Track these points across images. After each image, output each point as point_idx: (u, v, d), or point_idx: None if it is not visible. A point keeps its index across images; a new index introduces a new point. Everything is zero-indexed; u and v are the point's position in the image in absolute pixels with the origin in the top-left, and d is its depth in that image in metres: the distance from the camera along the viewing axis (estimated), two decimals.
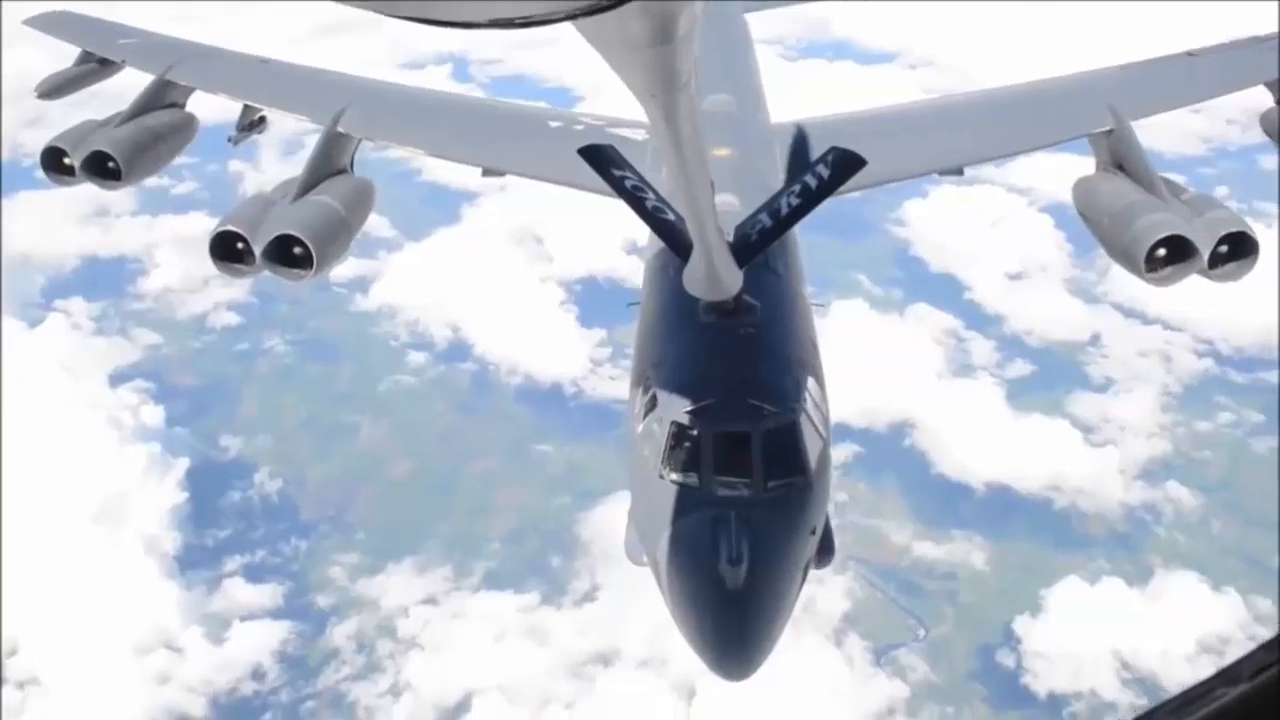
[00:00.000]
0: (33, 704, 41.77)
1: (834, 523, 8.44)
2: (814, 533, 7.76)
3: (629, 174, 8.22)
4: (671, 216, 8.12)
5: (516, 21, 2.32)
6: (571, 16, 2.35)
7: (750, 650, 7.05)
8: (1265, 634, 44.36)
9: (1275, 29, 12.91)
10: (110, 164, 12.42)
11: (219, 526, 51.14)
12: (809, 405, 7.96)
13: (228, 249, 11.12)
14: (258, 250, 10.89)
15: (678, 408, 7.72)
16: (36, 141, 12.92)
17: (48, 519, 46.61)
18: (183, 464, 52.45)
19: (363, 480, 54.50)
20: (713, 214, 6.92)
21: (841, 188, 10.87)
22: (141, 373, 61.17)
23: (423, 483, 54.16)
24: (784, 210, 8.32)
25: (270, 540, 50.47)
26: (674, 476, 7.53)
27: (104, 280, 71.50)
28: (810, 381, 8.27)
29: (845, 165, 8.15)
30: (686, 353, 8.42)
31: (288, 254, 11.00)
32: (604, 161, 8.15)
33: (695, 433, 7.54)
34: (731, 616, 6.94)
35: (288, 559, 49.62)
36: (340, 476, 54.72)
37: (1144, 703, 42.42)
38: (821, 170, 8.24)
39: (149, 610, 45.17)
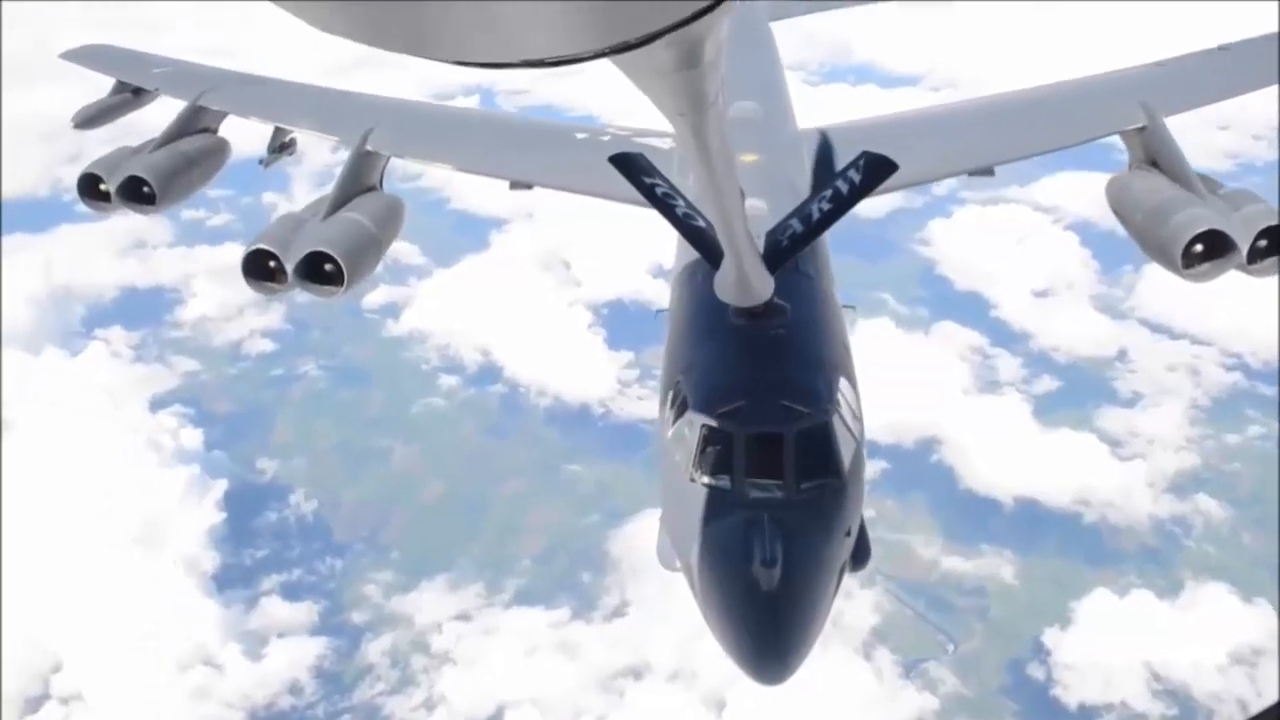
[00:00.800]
0: (77, 717, 42.86)
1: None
2: (849, 534, 7.70)
3: (659, 181, 8.21)
4: (702, 223, 8.10)
5: (547, 61, 2.36)
6: (600, 55, 2.37)
7: (786, 653, 6.95)
8: None
9: None
10: (145, 189, 12.55)
11: (256, 546, 52.16)
12: (841, 406, 7.90)
13: (260, 268, 11.16)
14: (289, 268, 10.95)
15: (709, 411, 7.67)
16: (76, 176, 13.09)
17: (91, 539, 47.71)
18: (221, 485, 53.56)
19: (395, 502, 55.33)
20: (743, 221, 6.94)
21: (879, 193, 10.92)
22: (180, 398, 62.37)
23: (454, 504, 54.91)
24: (815, 215, 8.27)
25: (306, 559, 51.40)
26: (706, 480, 7.49)
27: (142, 310, 73.04)
28: (843, 382, 8.18)
29: (876, 169, 8.08)
30: (717, 356, 8.35)
31: (319, 271, 11.09)
32: (635, 169, 8.11)
33: (727, 435, 7.49)
34: (766, 619, 6.89)
35: (323, 577, 50.47)
36: (373, 498, 55.57)
37: (1175, 713, 42.32)
38: (853, 175, 8.17)
39: (189, 628, 46.11)
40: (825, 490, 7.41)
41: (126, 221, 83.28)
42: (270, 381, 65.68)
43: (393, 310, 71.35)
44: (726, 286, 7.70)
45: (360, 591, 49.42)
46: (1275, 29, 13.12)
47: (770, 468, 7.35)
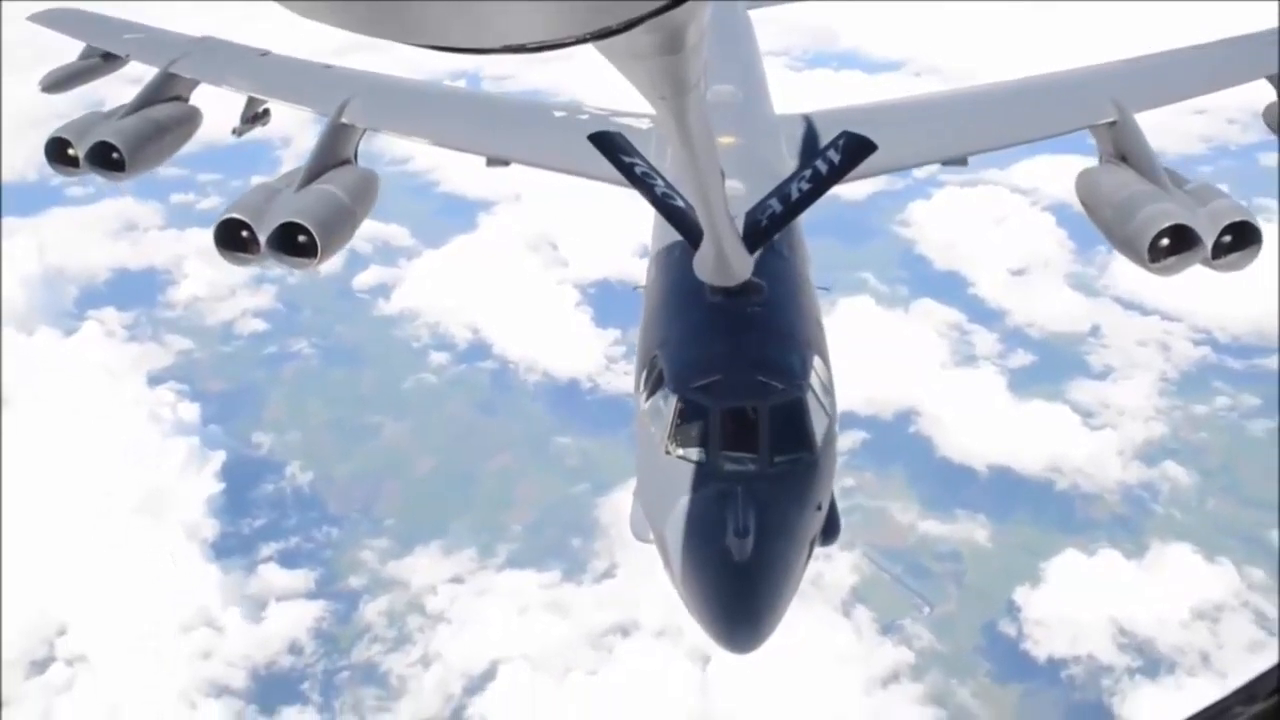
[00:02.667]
0: (81, 679, 44.05)
1: (840, 503, 8.57)
2: (820, 508, 7.79)
3: (638, 161, 8.19)
4: (680, 203, 8.14)
5: (529, 46, 2.40)
6: (582, 40, 2.41)
7: (756, 622, 7.06)
8: (1260, 603, 46.20)
9: (1277, 23, 12.96)
10: (114, 155, 12.33)
11: (254, 516, 53.45)
12: (815, 383, 7.99)
13: (233, 238, 10.99)
14: (263, 239, 10.83)
15: (685, 384, 7.76)
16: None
17: (94, 507, 49.03)
18: (219, 457, 54.85)
19: (389, 475, 56.63)
20: (724, 202, 6.97)
21: (854, 179, 11.16)
22: (175, 375, 63.61)
23: (446, 476, 56.28)
24: (794, 195, 8.26)
25: (303, 528, 52.72)
26: (680, 452, 7.59)
27: (135, 291, 74.12)
28: (816, 360, 8.27)
29: (855, 150, 8.03)
30: (693, 330, 8.41)
31: (292, 243, 10.95)
32: (614, 148, 8.05)
33: (702, 409, 7.59)
34: (737, 589, 6.99)
35: (320, 545, 51.81)
36: (367, 472, 56.85)
37: (1140, 664, 44.19)
38: (832, 155, 8.13)
39: (191, 592, 47.46)
40: (798, 464, 7.55)
41: (117, 204, 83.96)
42: (263, 360, 66.83)
43: (383, 290, 72.79)
44: (706, 266, 7.82)
45: (356, 557, 50.81)
46: (1249, 29, 13.27)
47: (744, 441, 7.49)
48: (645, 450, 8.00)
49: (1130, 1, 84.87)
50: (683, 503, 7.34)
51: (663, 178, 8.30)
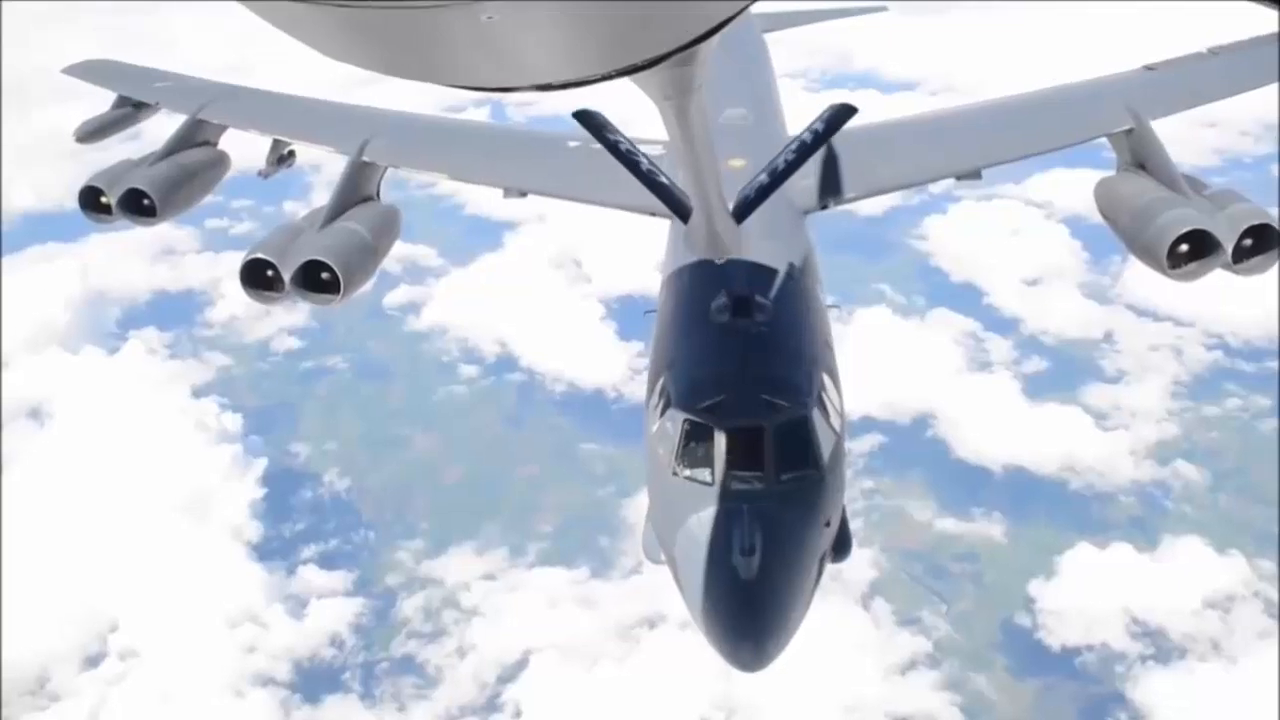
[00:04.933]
0: (134, 672, 46.14)
1: (854, 516, 8.97)
2: (828, 525, 7.85)
3: (621, 139, 8.14)
4: (664, 180, 8.12)
5: (555, 85, 2.44)
6: (608, 78, 2.47)
7: (764, 640, 7.09)
8: (1270, 592, 47.41)
9: None
10: (145, 201, 12.46)
11: (294, 521, 55.61)
12: (822, 401, 8.09)
13: (258, 277, 11.12)
14: (286, 277, 10.92)
15: (690, 406, 7.85)
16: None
17: (144, 511, 51.37)
18: (261, 464, 57.23)
19: (421, 483, 58.36)
20: (717, 180, 6.85)
21: (862, 196, 11.92)
22: (215, 390, 65.66)
23: (477, 484, 58.04)
24: (780, 166, 8.34)
25: (341, 531, 54.83)
26: (688, 473, 7.68)
27: (174, 311, 76.29)
28: (823, 378, 8.37)
29: (837, 116, 8.13)
30: (699, 352, 8.56)
31: (315, 280, 11.05)
32: (596, 125, 7.94)
33: (708, 429, 7.68)
34: (745, 607, 7.00)
35: (358, 547, 53.86)
36: (400, 481, 58.62)
37: (1151, 652, 45.46)
38: (816, 125, 8.24)
39: (236, 590, 49.58)
40: (804, 482, 7.65)
41: (155, 230, 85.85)
42: (299, 375, 68.88)
43: (413, 308, 74.71)
44: (697, 240, 7.90)
45: (393, 558, 52.83)
46: (1264, 32, 13.07)
47: (751, 460, 7.56)
48: (654, 472, 8.14)
49: (1141, 3, 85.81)
50: (690, 523, 7.44)
51: (646, 156, 8.32)
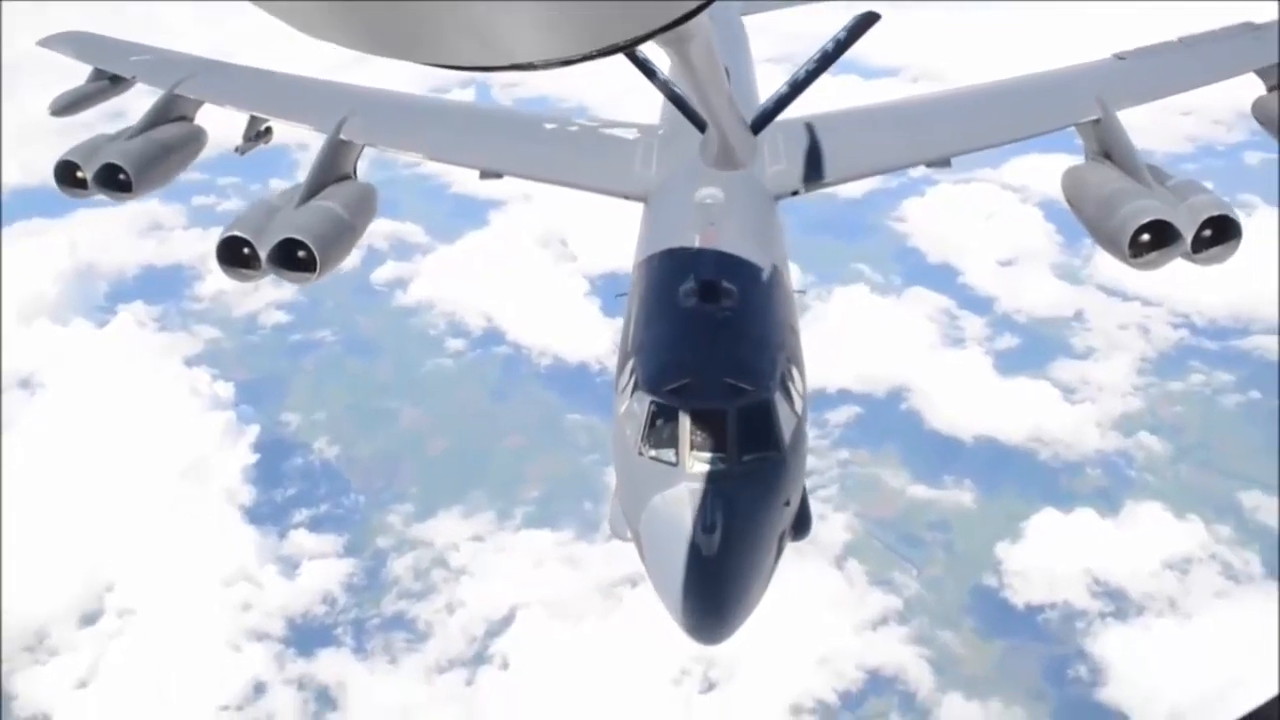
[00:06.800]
0: (131, 628, 47.49)
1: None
2: (788, 504, 8.05)
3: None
4: (680, 92, 8.28)
5: (537, 64, 2.44)
6: (589, 58, 2.46)
7: (724, 614, 7.28)
8: (1227, 555, 49.53)
9: (1271, 16, 12.94)
10: (121, 176, 12.36)
11: (285, 486, 56.99)
12: (784, 384, 8.27)
13: (235, 254, 11.09)
14: (263, 255, 10.91)
15: (656, 388, 8.02)
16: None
17: (139, 474, 52.72)
18: (253, 431, 58.59)
19: (408, 453, 59.78)
20: (727, 90, 6.78)
21: (833, 183, 12.17)
22: (205, 361, 66.65)
23: (464, 454, 59.40)
24: (802, 76, 8.48)
25: (331, 496, 56.28)
26: (653, 454, 7.84)
27: (162, 286, 77.15)
28: (786, 362, 8.54)
29: (861, 23, 8.22)
30: (666, 336, 8.71)
31: (292, 258, 11.04)
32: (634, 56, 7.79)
33: (673, 411, 7.85)
34: (705, 582, 7.18)
35: (348, 511, 55.33)
36: (388, 451, 60.03)
37: (1111, 610, 47.53)
38: (840, 34, 8.28)
39: (230, 551, 51.00)
40: (766, 463, 7.83)
41: (142, 206, 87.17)
42: (288, 349, 69.99)
43: (400, 284, 76.02)
44: (710, 151, 7.93)
45: (383, 522, 54.31)
46: (1232, 23, 13.21)
47: (714, 441, 7.74)
48: (621, 452, 8.30)
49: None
50: (655, 501, 7.61)
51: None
